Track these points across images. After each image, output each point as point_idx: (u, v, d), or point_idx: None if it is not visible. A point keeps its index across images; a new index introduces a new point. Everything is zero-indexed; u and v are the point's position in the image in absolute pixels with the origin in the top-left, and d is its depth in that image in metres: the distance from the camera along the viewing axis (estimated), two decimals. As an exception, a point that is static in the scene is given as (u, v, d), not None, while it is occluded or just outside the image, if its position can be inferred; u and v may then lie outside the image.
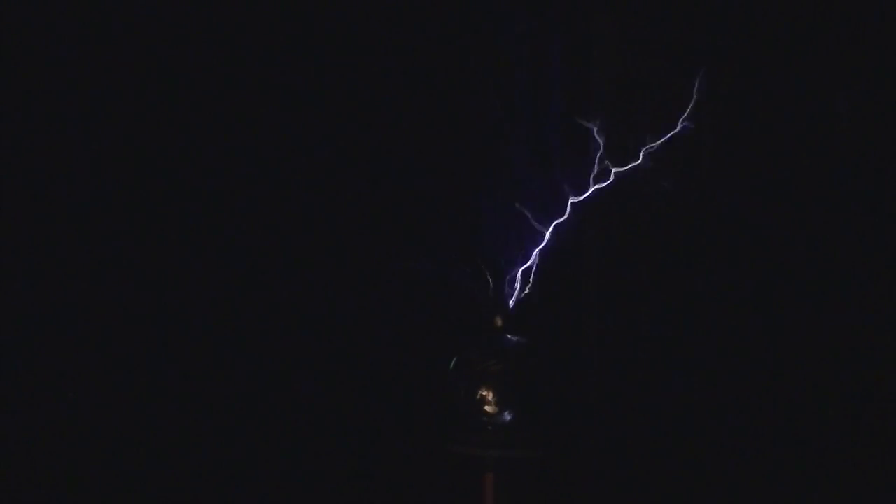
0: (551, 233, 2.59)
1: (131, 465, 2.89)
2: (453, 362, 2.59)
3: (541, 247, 2.61)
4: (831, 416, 2.77)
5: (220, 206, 2.99)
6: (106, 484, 2.87)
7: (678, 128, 2.54)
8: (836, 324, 2.77)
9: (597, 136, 2.56)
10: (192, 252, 2.98)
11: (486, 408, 2.51)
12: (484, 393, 2.51)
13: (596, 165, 2.54)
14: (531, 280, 2.62)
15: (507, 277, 2.63)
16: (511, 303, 2.62)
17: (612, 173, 2.53)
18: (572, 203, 2.54)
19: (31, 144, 2.85)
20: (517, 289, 2.62)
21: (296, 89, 2.98)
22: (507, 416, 2.50)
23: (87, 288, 2.92)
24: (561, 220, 2.54)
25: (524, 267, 2.62)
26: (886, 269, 2.74)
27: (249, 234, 3.01)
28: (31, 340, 2.88)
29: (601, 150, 2.54)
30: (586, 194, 2.54)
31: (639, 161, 2.53)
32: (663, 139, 2.54)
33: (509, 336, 2.60)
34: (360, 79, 2.95)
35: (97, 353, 2.93)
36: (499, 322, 2.60)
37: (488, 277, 2.64)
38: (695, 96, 2.54)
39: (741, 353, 2.84)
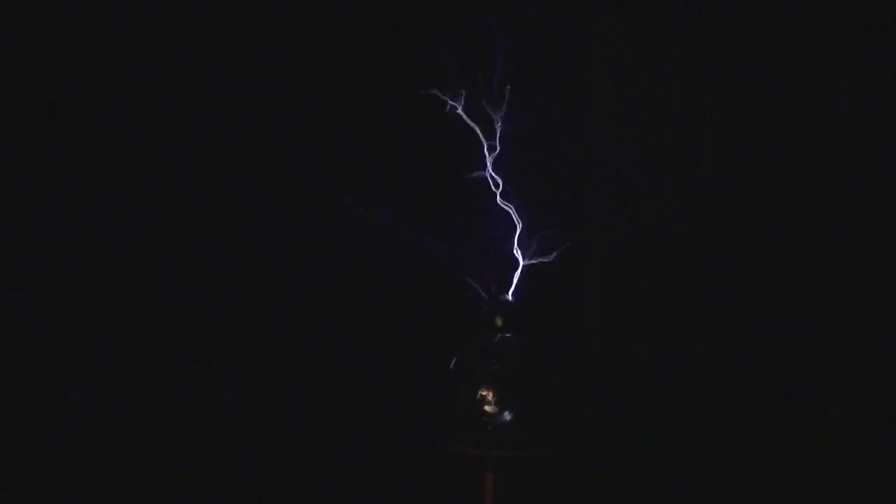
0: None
1: (131, 465, 2.90)
2: (453, 362, 2.59)
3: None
4: (831, 417, 2.77)
5: (219, 205, 3.00)
6: (105, 484, 2.87)
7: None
8: (836, 324, 2.77)
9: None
10: (192, 251, 2.98)
11: (486, 408, 2.51)
12: (484, 393, 2.51)
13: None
14: (530, 280, 2.62)
15: (507, 277, 2.63)
16: (511, 303, 2.62)
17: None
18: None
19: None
20: (517, 289, 2.63)
21: (293, 94, 2.99)
22: (507, 416, 2.50)
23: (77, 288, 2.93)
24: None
25: (523, 267, 2.62)
26: (886, 269, 2.74)
27: (248, 235, 3.01)
28: (30, 340, 2.89)
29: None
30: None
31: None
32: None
33: (509, 336, 2.60)
34: (356, 91, 2.97)
35: (92, 352, 2.93)
36: (499, 322, 2.60)
37: (488, 277, 2.64)
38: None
39: (741, 352, 2.84)
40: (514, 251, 2.62)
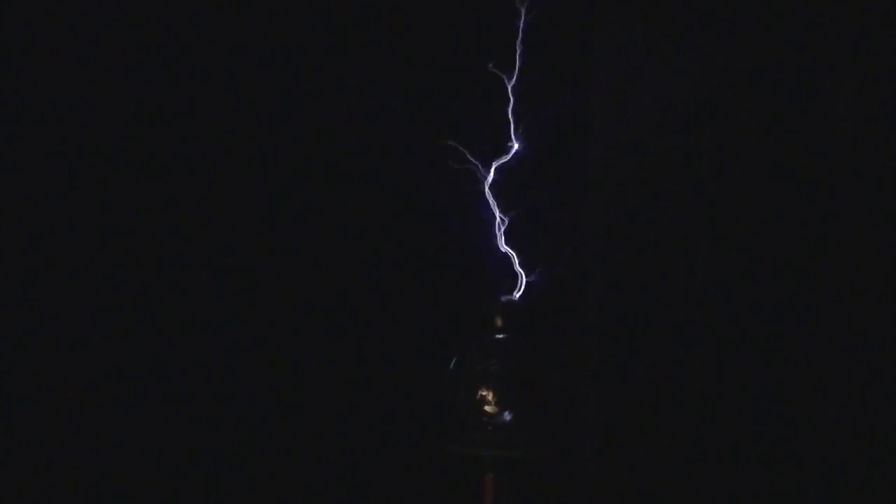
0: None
1: (131, 465, 2.90)
2: (453, 362, 2.59)
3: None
4: (832, 418, 2.77)
5: (222, 205, 3.00)
6: (105, 484, 2.87)
7: None
8: (836, 323, 2.77)
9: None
10: (193, 250, 2.98)
11: (486, 408, 2.50)
12: (484, 393, 2.51)
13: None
14: (531, 280, 2.62)
15: (507, 277, 2.63)
16: (511, 302, 2.61)
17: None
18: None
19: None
20: (517, 288, 2.63)
21: (293, 94, 2.99)
22: (507, 416, 2.50)
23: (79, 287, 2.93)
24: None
25: (523, 267, 2.62)
26: (887, 269, 2.74)
27: (249, 234, 3.01)
28: (30, 340, 2.89)
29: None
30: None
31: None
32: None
33: (509, 336, 2.60)
34: (350, 81, 2.97)
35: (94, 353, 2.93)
36: (499, 322, 2.60)
37: (489, 278, 2.64)
38: None
39: (742, 352, 2.84)
40: (515, 250, 2.63)
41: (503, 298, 2.61)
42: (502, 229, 2.65)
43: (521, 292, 2.62)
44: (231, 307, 2.99)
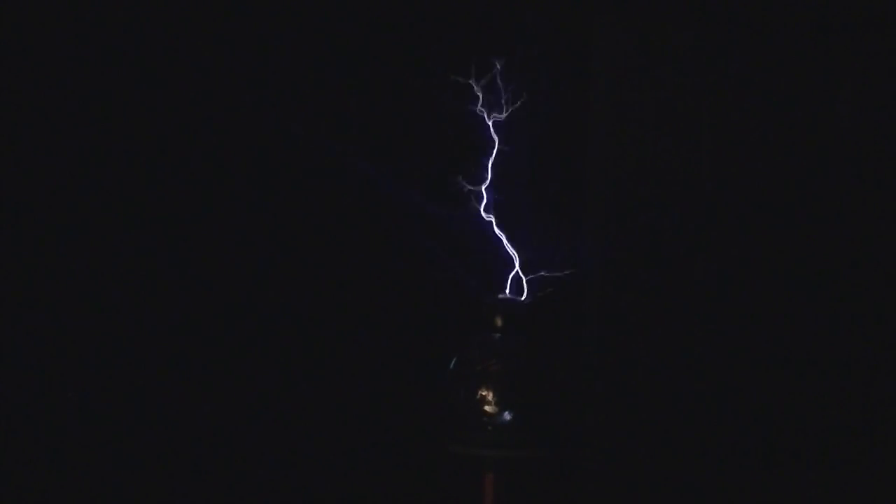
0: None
1: (130, 465, 2.90)
2: (453, 362, 2.59)
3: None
4: (832, 418, 2.77)
5: (221, 204, 3.00)
6: (104, 484, 2.87)
7: None
8: (837, 324, 2.77)
9: None
10: (193, 250, 2.98)
11: (486, 408, 2.50)
12: (484, 393, 2.51)
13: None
14: (531, 280, 2.62)
15: (507, 277, 2.63)
16: (511, 303, 2.61)
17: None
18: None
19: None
20: (517, 289, 2.63)
21: (295, 94, 2.99)
22: (507, 416, 2.50)
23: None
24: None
25: (524, 267, 2.62)
26: (887, 270, 2.74)
27: (248, 234, 3.01)
28: (31, 340, 2.89)
29: None
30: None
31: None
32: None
33: (509, 336, 2.60)
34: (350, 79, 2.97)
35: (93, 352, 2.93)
36: (499, 322, 2.60)
37: (488, 277, 2.64)
38: None
39: (742, 353, 2.84)
40: (511, 252, 2.63)
41: (503, 298, 2.61)
42: (502, 229, 2.65)
43: (521, 292, 2.62)
44: (231, 306, 2.99)
